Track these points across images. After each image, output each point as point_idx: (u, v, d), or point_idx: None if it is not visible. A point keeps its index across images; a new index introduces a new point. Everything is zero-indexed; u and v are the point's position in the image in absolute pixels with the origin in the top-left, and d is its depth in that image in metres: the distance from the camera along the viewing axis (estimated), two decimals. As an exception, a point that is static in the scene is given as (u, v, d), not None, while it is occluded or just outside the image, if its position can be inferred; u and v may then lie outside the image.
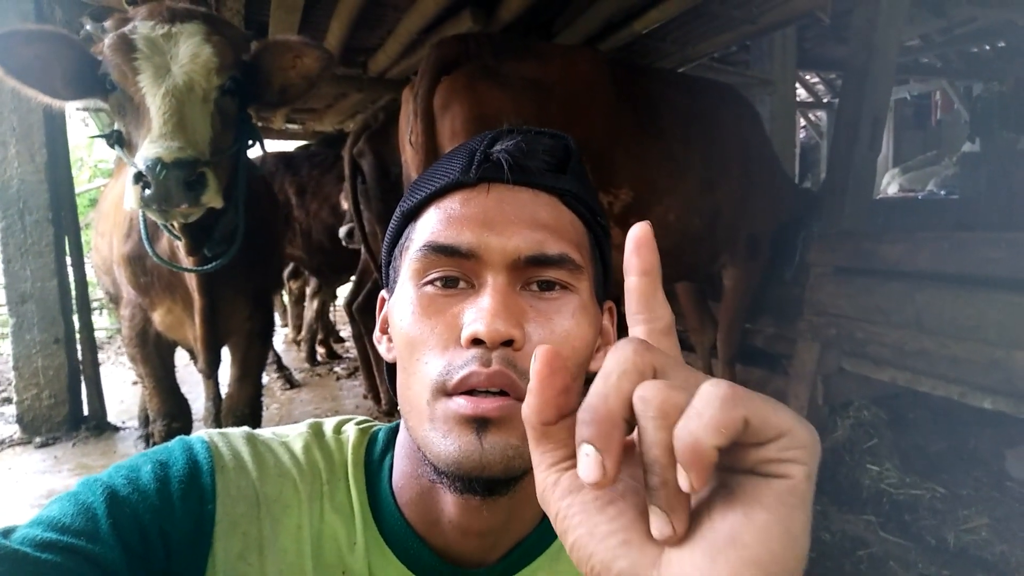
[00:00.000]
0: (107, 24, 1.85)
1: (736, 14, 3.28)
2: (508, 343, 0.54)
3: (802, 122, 10.79)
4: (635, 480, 0.36)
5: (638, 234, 0.39)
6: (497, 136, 0.63)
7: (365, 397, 4.49)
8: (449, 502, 0.61)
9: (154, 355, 2.52)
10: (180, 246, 2.03)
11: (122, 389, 5.11)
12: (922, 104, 10.45)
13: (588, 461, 0.33)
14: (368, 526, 0.64)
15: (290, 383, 5.07)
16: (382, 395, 4.13)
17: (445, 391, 0.55)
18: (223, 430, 0.66)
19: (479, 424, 0.53)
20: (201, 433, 0.65)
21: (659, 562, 0.33)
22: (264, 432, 0.69)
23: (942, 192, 6.93)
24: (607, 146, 2.67)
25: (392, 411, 3.88)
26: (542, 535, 0.67)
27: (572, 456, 0.35)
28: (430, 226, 0.60)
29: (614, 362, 0.34)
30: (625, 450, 0.35)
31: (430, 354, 0.56)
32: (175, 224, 1.90)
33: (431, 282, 0.59)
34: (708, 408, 0.30)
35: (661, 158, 2.82)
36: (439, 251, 0.58)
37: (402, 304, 0.60)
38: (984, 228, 3.40)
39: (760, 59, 5.12)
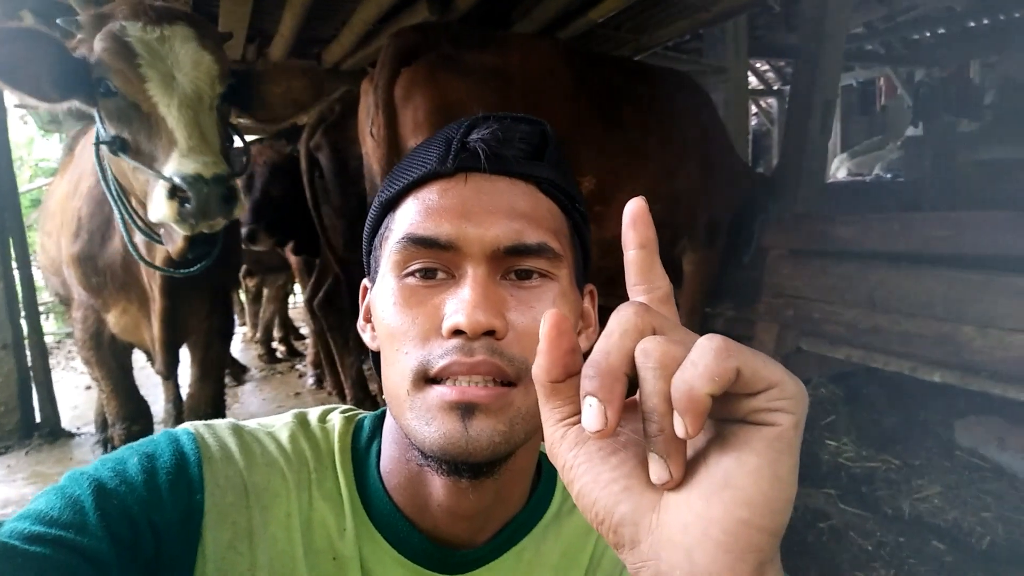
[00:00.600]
0: (81, 19, 1.75)
1: (691, 1, 3.33)
2: (490, 333, 0.55)
3: (753, 109, 11.01)
4: (636, 434, 0.39)
5: (633, 210, 0.42)
6: (474, 124, 0.63)
7: (329, 393, 4.44)
8: (437, 485, 0.61)
9: (110, 358, 2.45)
10: (141, 244, 1.98)
11: (75, 394, 4.96)
12: (867, 90, 10.77)
13: (591, 412, 0.35)
14: (357, 512, 0.64)
15: (236, 380, 5.00)
16: (347, 391, 4.09)
17: (426, 378, 0.56)
18: (208, 422, 0.67)
19: (464, 410, 0.54)
20: (187, 425, 0.65)
21: (658, 506, 0.36)
22: (250, 423, 0.69)
23: (888, 175, 7.16)
24: (569, 135, 2.68)
25: (357, 407, 3.84)
26: (529, 516, 0.68)
27: (579, 412, 0.38)
28: (408, 217, 0.60)
29: (616, 322, 0.37)
30: (626, 407, 0.37)
31: (410, 345, 0.57)
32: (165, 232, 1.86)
33: (411, 273, 0.59)
34: (703, 358, 0.33)
35: (622, 146, 2.85)
36: (418, 243, 0.58)
37: (383, 295, 0.61)
38: (930, 208, 3.53)
39: (713, 47, 5.19)
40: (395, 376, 0.58)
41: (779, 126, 10.62)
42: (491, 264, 0.58)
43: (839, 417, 3.17)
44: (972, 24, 7.21)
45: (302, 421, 0.70)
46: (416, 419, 0.56)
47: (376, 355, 0.66)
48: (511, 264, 0.59)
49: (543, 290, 0.59)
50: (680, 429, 0.32)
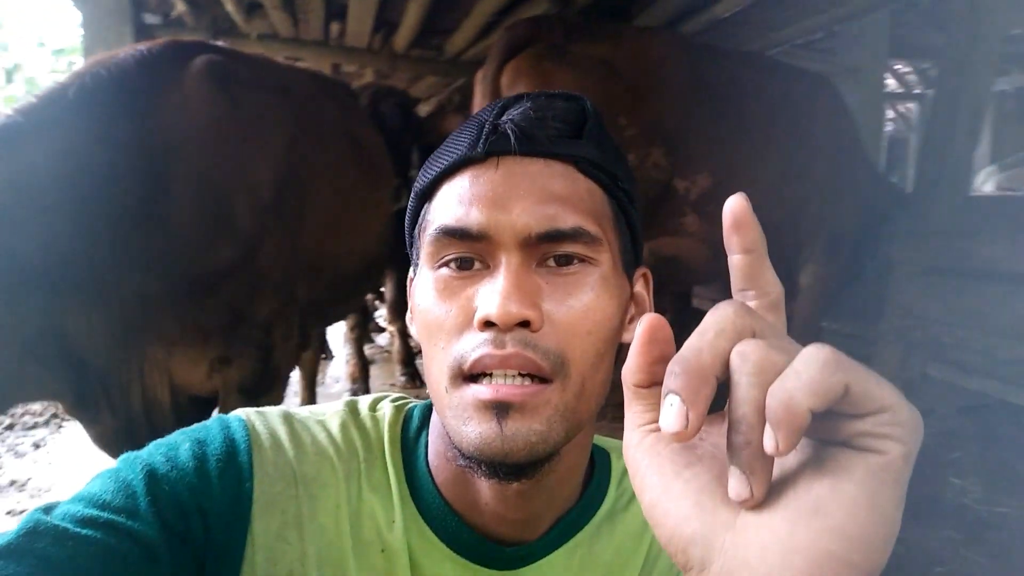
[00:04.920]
0: None
1: (826, -4, 3.12)
2: (525, 324, 0.52)
3: (890, 114, 10.27)
4: (715, 448, 0.36)
5: (735, 210, 0.37)
6: (507, 105, 0.60)
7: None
8: (483, 486, 0.60)
9: None
10: None
11: None
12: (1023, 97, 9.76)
13: (672, 411, 0.32)
14: (406, 504, 0.63)
15: None
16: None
17: (462, 375, 0.54)
18: (260, 409, 0.67)
19: (499, 409, 0.52)
20: (239, 412, 0.66)
21: (734, 526, 0.33)
22: (301, 411, 0.69)
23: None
24: (681, 130, 2.59)
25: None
26: (581, 513, 0.66)
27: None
28: (441, 207, 0.59)
29: (712, 320, 0.34)
30: (710, 419, 0.36)
31: (447, 338, 0.56)
32: None
33: (445, 264, 0.57)
34: (808, 369, 0.29)
35: (742, 144, 2.71)
36: (450, 234, 0.56)
37: (421, 288, 0.60)
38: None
39: (848, 46, 4.85)
40: (434, 372, 0.57)
41: (918, 133, 9.85)
42: (525, 252, 0.55)
43: (967, 454, 2.88)
44: None
45: (353, 409, 0.69)
46: (454, 418, 0.55)
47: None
48: (547, 250, 0.56)
49: (582, 276, 0.56)
50: (770, 444, 0.29)
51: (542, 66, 2.46)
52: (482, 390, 0.52)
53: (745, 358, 0.32)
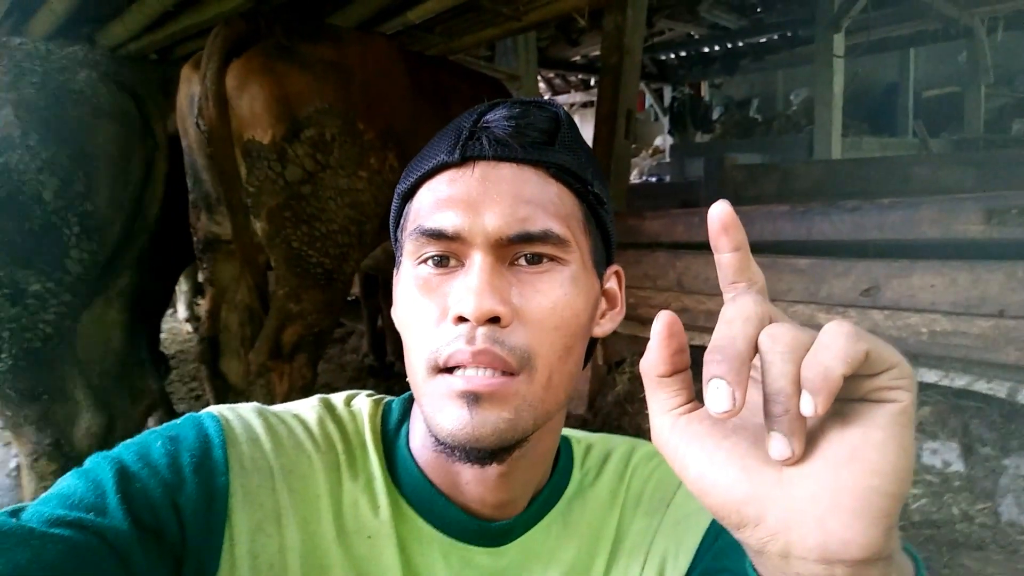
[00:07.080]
0: None
1: (504, 11, 3.49)
2: (495, 320, 0.56)
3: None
4: (741, 420, 0.41)
5: (722, 216, 0.42)
6: (484, 111, 0.65)
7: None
8: (465, 469, 0.63)
9: None
10: None
11: None
12: (620, 103, 12.04)
13: (720, 393, 0.36)
14: (390, 490, 0.65)
15: None
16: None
17: (437, 368, 0.58)
18: (232, 405, 0.65)
19: (470, 398, 0.56)
20: (211, 408, 0.64)
21: (780, 481, 0.38)
22: (275, 406, 0.68)
23: (652, 178, 8.13)
24: (410, 131, 2.70)
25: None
26: (552, 491, 0.71)
27: (686, 403, 0.42)
28: (421, 208, 0.62)
29: (736, 311, 0.39)
30: None
31: (423, 332, 0.59)
32: None
33: (424, 261, 0.61)
34: (836, 342, 0.35)
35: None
36: (427, 235, 0.60)
37: (402, 283, 0.63)
38: (706, 205, 4.10)
39: (505, 55, 5.51)
40: (412, 363, 0.60)
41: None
42: (497, 252, 0.58)
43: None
44: (706, 50, 8.46)
45: (328, 405, 0.69)
46: (429, 406, 0.58)
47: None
48: (518, 251, 0.59)
49: (551, 275, 0.60)
50: (809, 408, 0.34)
51: (275, 67, 2.35)
52: (455, 381, 0.56)
53: (776, 339, 0.37)
